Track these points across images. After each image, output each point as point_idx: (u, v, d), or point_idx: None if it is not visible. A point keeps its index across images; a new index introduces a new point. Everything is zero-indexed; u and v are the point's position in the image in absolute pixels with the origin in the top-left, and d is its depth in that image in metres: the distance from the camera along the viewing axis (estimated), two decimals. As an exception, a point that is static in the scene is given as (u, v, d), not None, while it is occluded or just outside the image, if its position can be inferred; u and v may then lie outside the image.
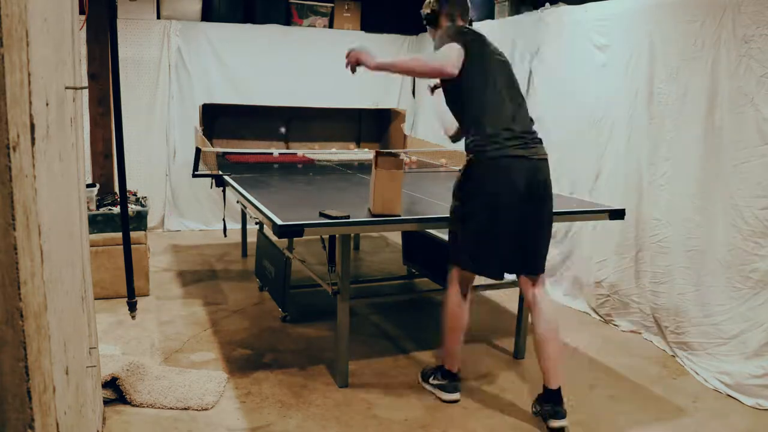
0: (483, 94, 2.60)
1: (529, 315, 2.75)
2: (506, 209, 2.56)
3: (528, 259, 2.66)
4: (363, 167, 4.49)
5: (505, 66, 2.72)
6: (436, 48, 2.64)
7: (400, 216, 2.79)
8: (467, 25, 2.81)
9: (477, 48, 2.63)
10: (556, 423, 2.56)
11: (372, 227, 3.29)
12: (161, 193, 5.78)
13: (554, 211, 3.09)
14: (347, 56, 2.64)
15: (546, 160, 2.64)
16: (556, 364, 2.63)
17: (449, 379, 2.84)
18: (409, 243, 4.45)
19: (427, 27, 2.90)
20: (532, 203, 2.58)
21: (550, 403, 2.61)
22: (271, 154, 4.81)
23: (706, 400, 2.94)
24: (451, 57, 2.53)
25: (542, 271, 2.70)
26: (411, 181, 4.27)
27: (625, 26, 3.76)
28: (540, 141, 2.66)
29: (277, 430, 2.55)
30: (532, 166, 2.57)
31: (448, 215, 2.72)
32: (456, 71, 2.54)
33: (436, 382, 2.87)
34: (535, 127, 2.69)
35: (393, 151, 2.83)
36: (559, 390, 2.62)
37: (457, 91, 2.66)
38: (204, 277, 4.53)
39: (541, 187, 2.60)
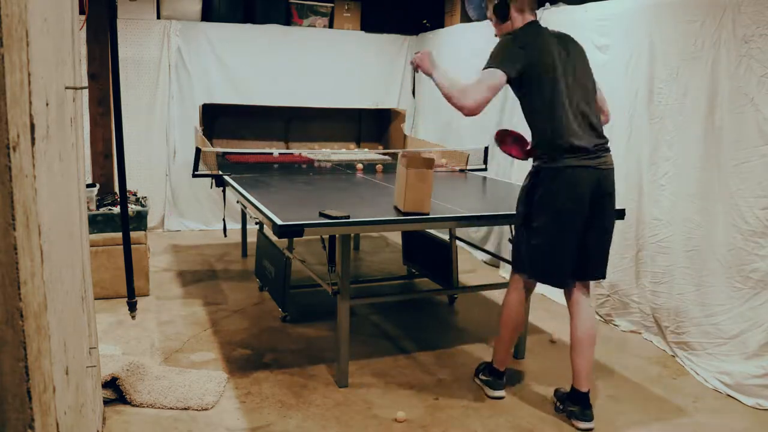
0: (546, 116, 2.58)
1: (570, 316, 2.81)
2: (573, 220, 2.59)
3: (592, 266, 2.71)
4: (362, 167, 4.48)
5: (569, 68, 2.61)
6: (489, 62, 2.54)
7: (428, 214, 2.86)
8: (533, 19, 2.65)
9: (536, 62, 2.53)
10: (584, 425, 2.66)
11: (372, 227, 3.28)
12: (161, 193, 5.78)
13: None
14: (415, 54, 2.73)
15: (612, 169, 2.65)
16: (590, 367, 2.71)
17: (495, 377, 2.91)
18: (409, 243, 4.45)
19: (492, 18, 2.72)
20: (598, 212, 2.61)
21: (578, 405, 2.69)
22: (271, 154, 4.81)
23: (706, 400, 2.94)
24: (483, 94, 2.47)
25: (604, 276, 2.79)
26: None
27: (625, 26, 3.76)
28: (607, 150, 2.65)
29: (277, 430, 2.56)
30: (599, 175, 2.59)
31: (514, 220, 2.84)
32: (478, 112, 2.51)
33: (484, 378, 2.96)
34: (604, 134, 2.69)
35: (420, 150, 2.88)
36: (588, 393, 2.69)
37: (523, 106, 2.67)
38: (204, 277, 4.53)
39: (605, 196, 2.62)
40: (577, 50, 2.70)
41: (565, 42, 2.68)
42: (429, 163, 2.83)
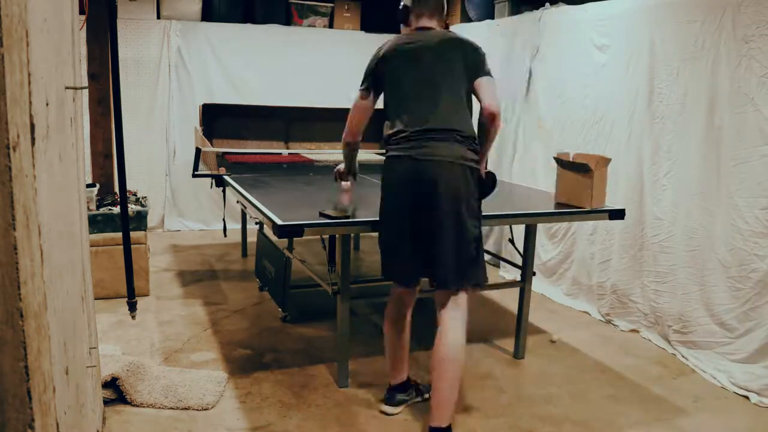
0: (390, 101, 2.58)
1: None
2: (393, 213, 2.51)
3: (431, 267, 2.45)
4: (362, 167, 4.48)
5: (414, 63, 2.50)
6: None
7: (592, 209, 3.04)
8: (423, 26, 2.56)
9: (380, 71, 2.57)
10: None
11: (372, 227, 3.28)
12: (161, 193, 5.78)
13: (549, 211, 3.08)
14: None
15: (439, 161, 2.38)
16: (443, 399, 2.39)
17: (387, 390, 2.79)
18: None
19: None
20: (420, 205, 2.42)
21: None
22: (271, 154, 4.81)
23: (706, 400, 2.94)
24: (351, 116, 2.69)
25: (451, 286, 2.43)
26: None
27: (625, 26, 3.76)
28: (441, 139, 2.41)
29: (277, 430, 2.55)
30: (417, 165, 2.41)
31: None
32: (354, 136, 2.72)
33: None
34: (449, 125, 2.43)
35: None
36: (447, 429, 2.41)
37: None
38: (204, 277, 4.53)
39: (425, 187, 2.39)
40: (444, 47, 2.50)
41: (431, 43, 2.51)
42: (584, 167, 3.04)
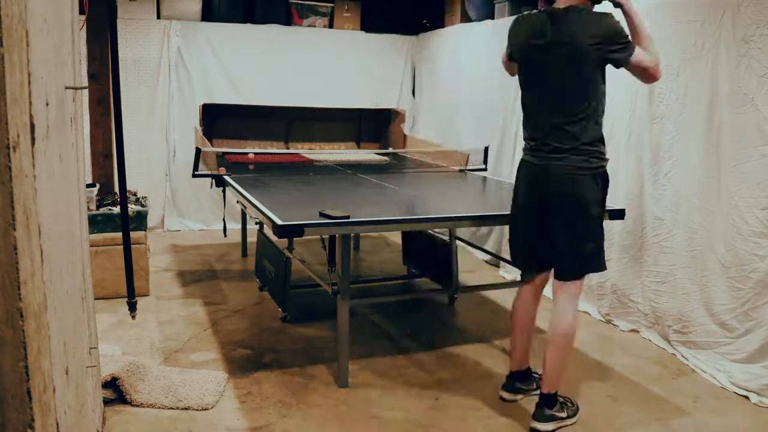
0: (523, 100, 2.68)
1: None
2: (519, 205, 2.69)
3: (553, 260, 2.64)
4: (362, 167, 4.49)
5: (539, 58, 2.51)
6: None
7: None
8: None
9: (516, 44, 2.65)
10: (539, 425, 2.61)
11: (372, 227, 3.28)
12: (161, 193, 5.78)
13: None
14: None
15: (553, 165, 2.52)
16: (549, 368, 2.61)
17: (507, 378, 2.92)
18: (409, 243, 4.45)
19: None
20: (541, 202, 2.58)
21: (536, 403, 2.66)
22: (271, 154, 4.81)
23: (706, 400, 2.94)
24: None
25: (561, 277, 2.61)
26: (410, 181, 4.27)
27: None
28: (560, 150, 2.51)
29: (277, 430, 2.56)
30: (537, 171, 2.59)
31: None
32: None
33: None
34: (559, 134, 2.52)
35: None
36: (549, 395, 2.63)
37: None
38: (204, 277, 4.53)
39: (549, 194, 2.55)
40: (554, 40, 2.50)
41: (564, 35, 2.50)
42: None
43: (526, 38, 2.57)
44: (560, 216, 2.52)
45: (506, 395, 2.84)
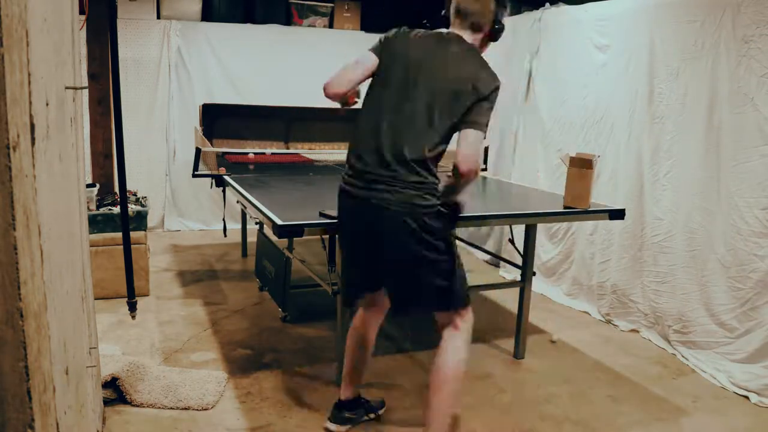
0: (360, 119, 2.35)
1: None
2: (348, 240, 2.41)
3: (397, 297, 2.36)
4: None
5: (422, 76, 2.21)
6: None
7: (588, 209, 3.02)
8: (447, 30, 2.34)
9: (386, 56, 2.31)
10: None
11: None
12: (161, 193, 5.78)
13: (549, 211, 3.07)
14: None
15: (388, 209, 2.18)
16: (434, 418, 2.28)
17: (334, 408, 2.62)
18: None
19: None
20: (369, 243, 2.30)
21: None
22: (271, 154, 4.81)
23: (706, 400, 2.94)
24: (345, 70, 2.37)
25: (415, 312, 2.38)
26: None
27: (625, 26, 3.76)
28: (394, 185, 2.18)
29: (277, 430, 2.55)
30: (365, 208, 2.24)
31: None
32: (337, 90, 2.30)
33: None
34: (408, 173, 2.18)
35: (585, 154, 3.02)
36: None
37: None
38: (204, 277, 4.53)
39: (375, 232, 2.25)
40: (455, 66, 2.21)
41: (446, 51, 2.23)
42: (588, 163, 2.98)
43: None
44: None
45: (333, 427, 2.57)
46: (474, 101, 2.16)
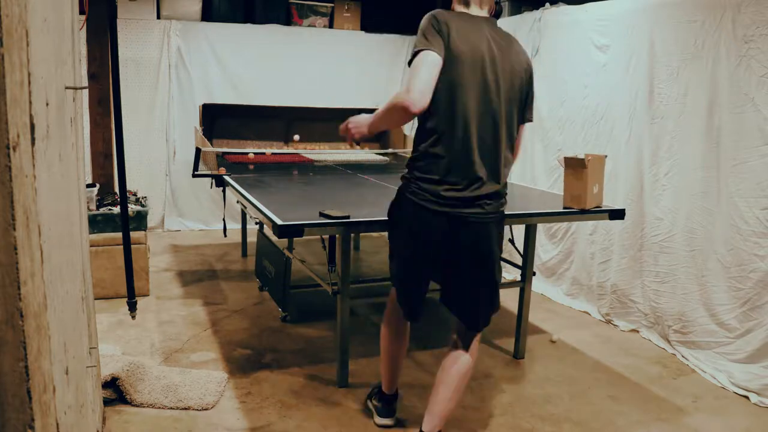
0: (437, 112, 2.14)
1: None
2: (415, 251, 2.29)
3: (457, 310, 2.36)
4: (362, 167, 4.49)
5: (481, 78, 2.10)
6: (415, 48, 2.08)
7: (584, 209, 2.99)
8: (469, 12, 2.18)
9: (455, 51, 2.07)
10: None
11: (372, 227, 3.28)
12: (161, 193, 5.78)
13: (549, 211, 3.06)
14: (342, 132, 2.37)
15: (487, 223, 2.19)
16: (439, 410, 2.33)
17: (383, 402, 2.64)
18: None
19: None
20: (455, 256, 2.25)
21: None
22: (271, 154, 4.81)
23: (706, 400, 2.94)
24: (422, 77, 2.03)
25: (473, 328, 2.34)
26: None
27: (626, 26, 3.76)
28: (495, 197, 2.19)
29: (277, 430, 2.56)
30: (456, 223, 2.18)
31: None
32: (426, 100, 2.00)
33: (374, 403, 2.69)
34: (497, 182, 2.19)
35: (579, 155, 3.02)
36: None
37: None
38: (204, 277, 4.53)
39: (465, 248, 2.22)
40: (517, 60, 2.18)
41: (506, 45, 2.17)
42: (582, 163, 2.98)
43: None
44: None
45: (387, 422, 2.61)
46: (528, 91, 2.22)
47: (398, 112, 2.04)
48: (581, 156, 2.96)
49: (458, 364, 2.32)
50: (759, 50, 2.93)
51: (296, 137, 5.07)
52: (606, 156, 3.12)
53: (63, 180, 1.60)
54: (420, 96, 1.99)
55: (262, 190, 3.38)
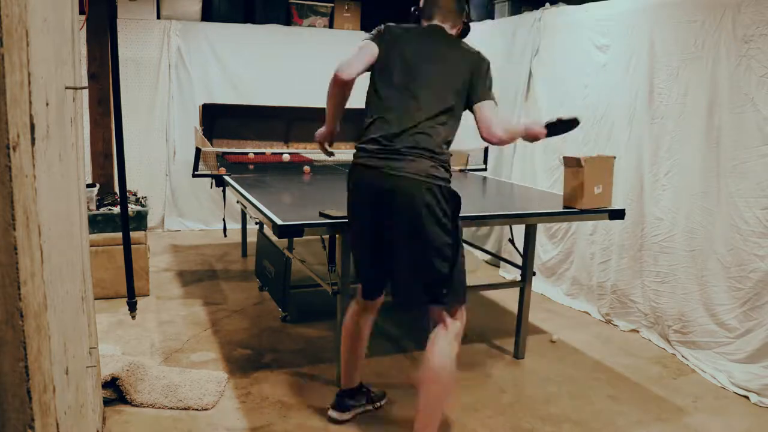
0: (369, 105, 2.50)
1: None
2: (362, 223, 2.41)
3: (392, 283, 2.41)
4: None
5: (423, 62, 2.38)
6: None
7: (582, 209, 2.99)
8: (431, 23, 2.52)
9: (385, 47, 2.46)
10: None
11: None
12: (161, 193, 5.78)
13: (549, 211, 3.06)
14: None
15: (406, 177, 2.23)
16: (423, 419, 2.28)
17: (340, 396, 2.67)
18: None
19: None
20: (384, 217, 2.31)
21: None
22: (271, 154, 4.81)
23: (706, 400, 2.94)
24: (353, 57, 2.46)
25: (406, 306, 2.46)
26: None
27: (626, 26, 3.76)
28: (408, 154, 2.26)
29: (277, 430, 2.55)
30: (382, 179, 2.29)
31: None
32: (351, 72, 2.40)
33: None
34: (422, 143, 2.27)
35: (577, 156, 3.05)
36: None
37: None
38: (204, 277, 4.53)
39: (386, 201, 2.28)
40: (451, 53, 2.42)
41: (440, 43, 2.45)
42: (579, 162, 2.99)
43: None
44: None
45: (336, 415, 2.62)
46: (470, 80, 2.38)
47: (331, 83, 2.46)
48: (588, 156, 2.98)
49: (436, 347, 2.30)
50: (759, 50, 2.93)
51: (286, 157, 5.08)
52: (614, 157, 3.10)
53: (63, 180, 1.60)
54: (347, 66, 2.41)
55: (262, 190, 3.38)
